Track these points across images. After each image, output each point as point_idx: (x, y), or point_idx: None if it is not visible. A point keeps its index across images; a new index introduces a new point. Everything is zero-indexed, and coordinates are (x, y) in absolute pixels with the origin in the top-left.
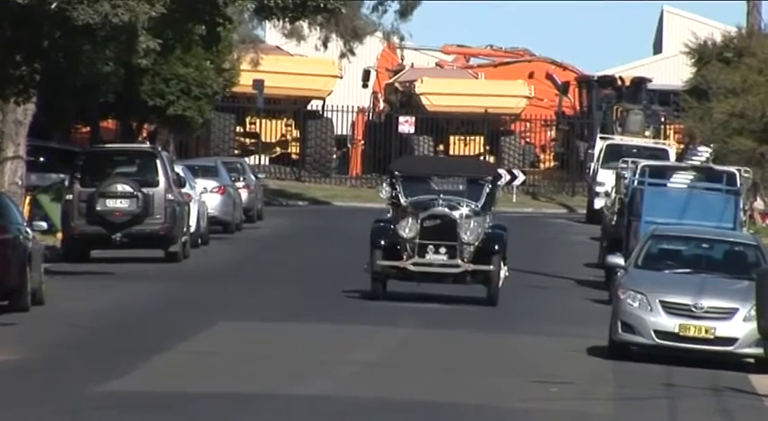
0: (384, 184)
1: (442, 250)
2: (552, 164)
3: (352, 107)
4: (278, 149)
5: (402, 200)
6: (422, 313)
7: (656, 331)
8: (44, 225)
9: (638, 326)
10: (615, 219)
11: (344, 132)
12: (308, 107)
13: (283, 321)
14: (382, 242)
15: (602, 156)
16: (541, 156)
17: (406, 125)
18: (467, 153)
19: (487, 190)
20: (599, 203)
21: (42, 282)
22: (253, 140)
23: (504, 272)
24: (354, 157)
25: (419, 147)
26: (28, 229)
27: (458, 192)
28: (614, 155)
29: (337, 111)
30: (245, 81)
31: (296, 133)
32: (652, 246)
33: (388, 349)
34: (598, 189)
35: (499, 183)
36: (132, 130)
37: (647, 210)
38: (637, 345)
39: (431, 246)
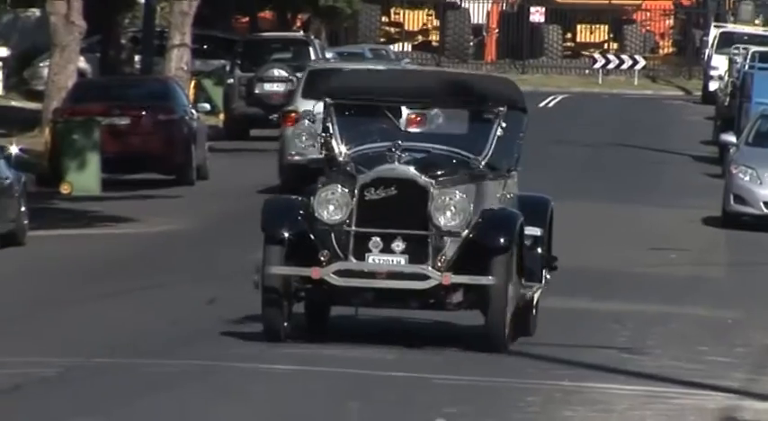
0: (305, 122)
1: (398, 246)
2: (670, 50)
3: None
4: (420, 37)
5: (337, 149)
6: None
7: (765, 202)
8: (207, 107)
9: (748, 198)
10: (728, 100)
11: (480, 21)
12: None
13: None
14: (284, 232)
15: (715, 42)
16: (660, 43)
17: (537, 14)
18: (592, 40)
19: (500, 131)
20: (713, 86)
21: (206, 158)
22: (397, 29)
23: (522, 289)
24: (489, 44)
25: (548, 35)
26: (193, 111)
27: (449, 135)
28: (727, 41)
29: (474, 1)
30: None
31: (436, 22)
32: (761, 124)
33: None
34: (712, 73)
35: (525, 120)
36: (287, 20)
37: (757, 92)
38: (747, 216)
39: (376, 239)
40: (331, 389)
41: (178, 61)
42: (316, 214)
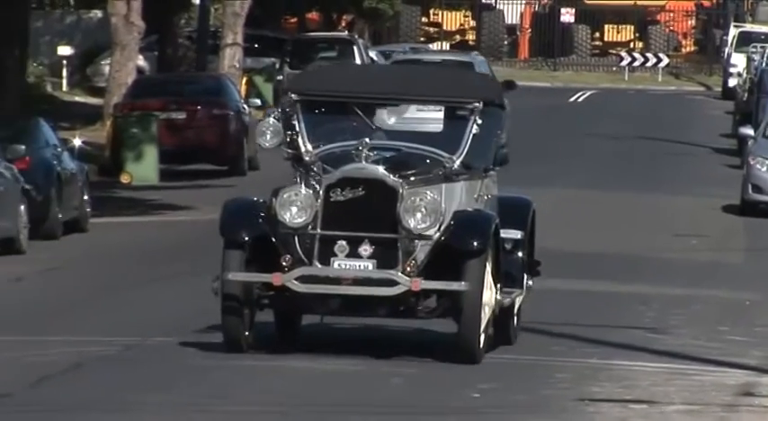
0: (270, 119)
1: (366, 250)
2: (692, 49)
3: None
4: (457, 37)
5: (303, 148)
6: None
7: None
8: (258, 102)
9: (766, 188)
10: (746, 95)
11: (514, 21)
12: (483, 0)
13: None
14: (245, 236)
15: (735, 41)
16: (683, 42)
17: (567, 15)
18: (619, 40)
19: (475, 128)
20: (732, 82)
21: (257, 150)
22: (435, 29)
23: (499, 296)
24: (522, 43)
25: (578, 34)
26: (245, 105)
27: (421, 133)
28: (746, 41)
29: (508, 3)
30: None
31: (473, 23)
32: None
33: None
34: (731, 70)
35: (506, 117)
36: (333, 21)
37: None
38: (764, 204)
39: (342, 243)
40: (366, 366)
41: (231, 59)
42: (278, 217)
